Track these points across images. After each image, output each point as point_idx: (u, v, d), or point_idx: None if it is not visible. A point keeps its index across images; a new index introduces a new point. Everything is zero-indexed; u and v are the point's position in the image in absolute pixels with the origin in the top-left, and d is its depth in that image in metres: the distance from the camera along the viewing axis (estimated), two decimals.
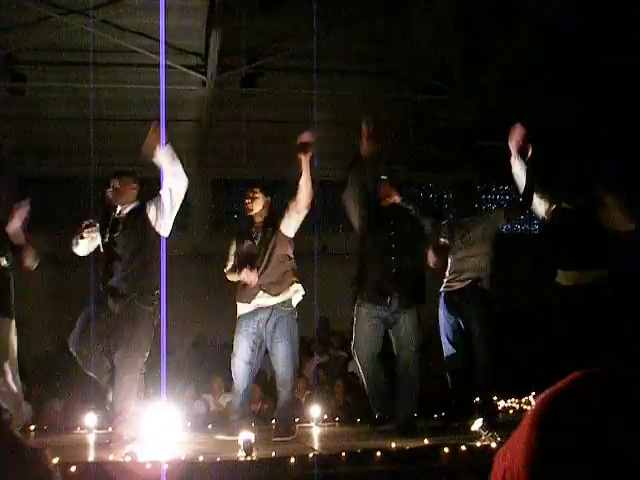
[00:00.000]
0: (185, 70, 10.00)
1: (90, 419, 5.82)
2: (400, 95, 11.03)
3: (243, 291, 5.99)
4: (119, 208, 5.86)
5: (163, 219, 5.73)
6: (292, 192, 6.09)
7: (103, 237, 5.83)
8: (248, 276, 5.84)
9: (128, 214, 5.83)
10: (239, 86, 10.38)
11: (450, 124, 11.28)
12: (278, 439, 5.67)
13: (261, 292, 5.93)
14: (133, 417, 5.57)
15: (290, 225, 6.10)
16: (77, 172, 12.12)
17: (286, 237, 6.09)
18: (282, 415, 5.97)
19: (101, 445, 5.53)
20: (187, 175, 11.87)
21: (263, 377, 9.01)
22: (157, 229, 5.75)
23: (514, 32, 9.35)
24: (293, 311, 5.99)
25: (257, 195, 6.20)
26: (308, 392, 8.31)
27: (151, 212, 5.77)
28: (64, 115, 10.95)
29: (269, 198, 6.27)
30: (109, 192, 5.93)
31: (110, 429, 5.72)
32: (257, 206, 6.18)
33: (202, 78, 10.14)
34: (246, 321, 5.96)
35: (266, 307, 5.93)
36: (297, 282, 6.04)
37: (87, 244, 5.94)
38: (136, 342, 5.58)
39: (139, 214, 5.81)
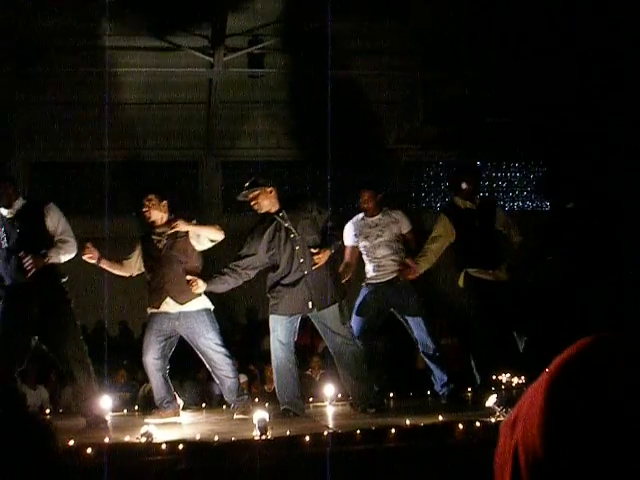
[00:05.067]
0: (192, 52, 9.96)
1: (105, 402, 5.84)
2: (408, 73, 10.95)
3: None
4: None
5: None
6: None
7: None
8: None
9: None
10: (247, 67, 10.35)
11: (459, 101, 11.20)
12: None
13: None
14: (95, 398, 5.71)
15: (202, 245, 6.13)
16: (87, 157, 12.14)
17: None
18: None
19: (117, 427, 5.57)
20: (196, 158, 11.86)
21: None
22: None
23: (521, 8, 9.27)
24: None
25: (153, 202, 6.12)
26: (322, 371, 8.34)
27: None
28: (72, 99, 10.95)
29: (165, 201, 6.17)
30: None
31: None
32: (155, 213, 6.13)
33: (209, 60, 10.10)
34: None
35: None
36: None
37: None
38: None
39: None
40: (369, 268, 6.67)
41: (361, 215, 6.76)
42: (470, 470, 4.34)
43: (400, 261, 6.59)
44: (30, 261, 5.40)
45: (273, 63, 10.37)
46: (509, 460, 0.86)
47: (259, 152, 12.43)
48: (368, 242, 6.60)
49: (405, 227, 6.74)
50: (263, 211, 5.95)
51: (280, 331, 5.93)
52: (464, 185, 6.65)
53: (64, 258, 5.70)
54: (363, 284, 6.71)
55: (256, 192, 5.90)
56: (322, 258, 5.81)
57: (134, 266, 6.23)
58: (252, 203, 5.95)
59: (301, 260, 5.83)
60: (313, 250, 5.82)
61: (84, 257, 5.98)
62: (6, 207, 5.69)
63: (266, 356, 9.32)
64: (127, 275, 6.33)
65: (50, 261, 5.54)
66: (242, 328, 11.37)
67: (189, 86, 11.19)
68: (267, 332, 9.77)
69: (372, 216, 6.66)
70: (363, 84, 11.31)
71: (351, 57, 10.54)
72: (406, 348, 7.00)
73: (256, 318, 11.42)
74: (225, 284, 5.95)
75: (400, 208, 7.08)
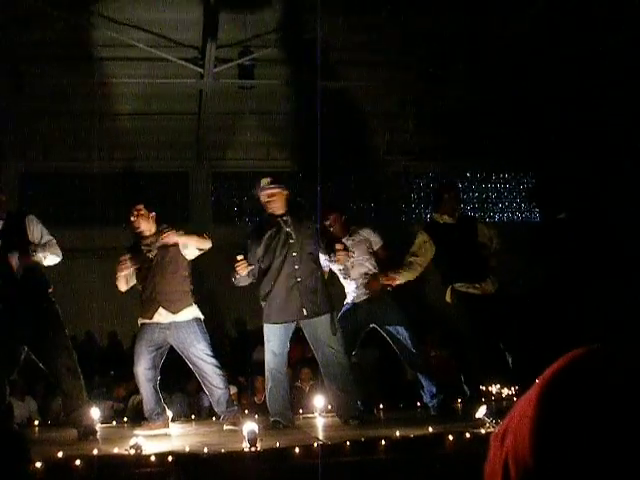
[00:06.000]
0: (183, 63, 9.97)
1: (95, 413, 5.82)
2: (399, 84, 10.99)
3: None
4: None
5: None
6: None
7: None
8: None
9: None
10: (237, 78, 10.37)
11: (450, 112, 11.25)
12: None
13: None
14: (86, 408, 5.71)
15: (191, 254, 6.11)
16: (78, 167, 12.12)
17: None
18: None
19: (106, 439, 5.55)
20: (187, 169, 11.87)
21: None
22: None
23: (513, 17, 9.33)
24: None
25: (142, 212, 6.12)
26: (312, 382, 8.32)
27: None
28: (64, 110, 10.94)
29: (154, 213, 6.18)
30: None
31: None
32: (144, 224, 6.14)
33: (200, 71, 10.11)
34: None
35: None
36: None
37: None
38: None
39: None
40: (348, 289, 6.64)
41: None
42: None
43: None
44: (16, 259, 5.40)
45: (263, 74, 10.39)
46: (499, 472, 0.86)
47: (249, 163, 12.45)
48: (340, 265, 6.50)
49: (375, 243, 6.67)
50: (273, 211, 5.97)
51: (274, 342, 5.93)
52: (445, 197, 6.66)
53: (49, 260, 5.66)
54: (344, 303, 6.68)
55: (276, 190, 5.97)
56: (342, 258, 5.88)
57: (129, 279, 6.24)
58: (268, 200, 5.97)
59: (296, 267, 5.83)
60: (338, 246, 5.87)
61: (120, 272, 5.99)
62: None
63: (256, 367, 9.31)
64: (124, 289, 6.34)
65: (35, 258, 5.52)
66: (231, 340, 11.35)
67: (179, 97, 11.20)
68: (257, 343, 9.76)
69: (341, 238, 6.62)
70: (353, 95, 11.34)
71: (342, 68, 10.58)
72: (396, 359, 6.98)
73: (245, 329, 11.42)
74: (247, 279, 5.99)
75: (368, 225, 7.00)
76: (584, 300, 5.99)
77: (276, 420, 5.92)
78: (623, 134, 10.62)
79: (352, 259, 6.46)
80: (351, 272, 6.51)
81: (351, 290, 6.61)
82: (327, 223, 6.61)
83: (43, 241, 5.65)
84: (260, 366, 9.38)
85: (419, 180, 13.79)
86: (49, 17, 8.98)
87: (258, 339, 10.43)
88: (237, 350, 10.64)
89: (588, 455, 0.77)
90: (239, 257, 5.75)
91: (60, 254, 5.74)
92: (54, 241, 5.71)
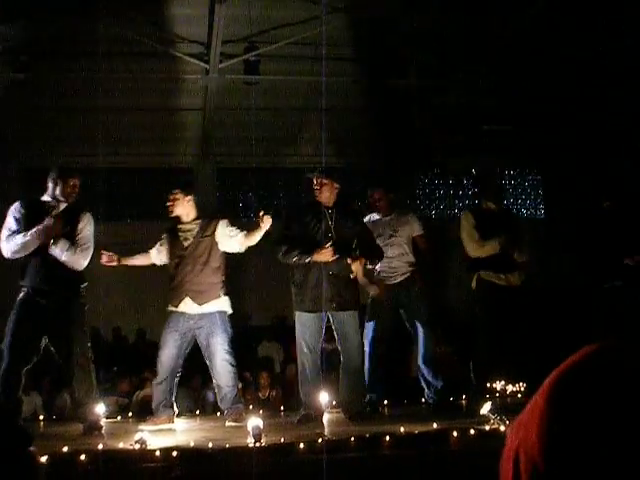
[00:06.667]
0: (188, 58, 9.96)
1: (100, 408, 5.82)
2: (403, 80, 10.97)
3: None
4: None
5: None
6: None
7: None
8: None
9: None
10: (242, 74, 10.35)
11: (454, 109, 11.22)
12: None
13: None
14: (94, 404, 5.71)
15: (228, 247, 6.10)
16: (82, 163, 12.12)
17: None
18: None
19: (111, 434, 5.56)
20: (192, 164, 11.84)
21: (271, 365, 9.04)
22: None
23: (514, 15, 9.30)
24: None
25: (177, 197, 6.13)
26: None
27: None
28: (68, 105, 10.93)
29: (191, 196, 6.18)
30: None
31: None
32: (180, 208, 6.14)
33: (205, 66, 10.10)
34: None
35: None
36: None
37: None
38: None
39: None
40: (379, 268, 6.63)
41: (375, 214, 6.78)
42: (465, 477, 4.34)
43: (412, 262, 6.62)
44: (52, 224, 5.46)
45: (269, 70, 10.38)
46: (511, 465, 0.86)
47: (254, 158, 12.44)
48: (380, 241, 6.48)
49: (416, 230, 6.74)
50: (320, 200, 6.03)
51: (308, 333, 5.97)
52: (492, 186, 6.72)
53: (71, 258, 5.62)
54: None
55: (325, 181, 6.00)
56: (356, 267, 5.89)
57: (160, 255, 6.23)
58: (315, 188, 6.03)
59: (330, 259, 5.86)
60: (350, 260, 5.87)
61: (103, 263, 6.03)
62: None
63: (260, 363, 9.31)
64: (147, 264, 6.33)
65: (58, 248, 5.52)
66: (236, 335, 11.34)
67: (185, 92, 11.19)
68: (262, 339, 9.76)
69: (386, 215, 6.69)
70: (358, 91, 11.32)
71: (346, 64, 10.57)
72: (400, 355, 6.98)
73: (250, 325, 11.42)
74: None
75: (413, 211, 7.09)
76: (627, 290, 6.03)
77: (309, 413, 5.95)
78: (623, 134, 10.58)
79: (393, 238, 6.52)
80: (388, 251, 6.51)
81: (382, 269, 6.59)
82: (373, 199, 6.66)
83: (77, 239, 5.67)
84: (265, 362, 9.38)
85: (425, 177, 13.78)
86: (53, 12, 8.97)
87: (263, 335, 10.49)
88: (242, 345, 10.63)
89: (595, 451, 0.77)
90: (328, 244, 5.79)
91: (81, 257, 5.69)
92: (84, 246, 5.71)
